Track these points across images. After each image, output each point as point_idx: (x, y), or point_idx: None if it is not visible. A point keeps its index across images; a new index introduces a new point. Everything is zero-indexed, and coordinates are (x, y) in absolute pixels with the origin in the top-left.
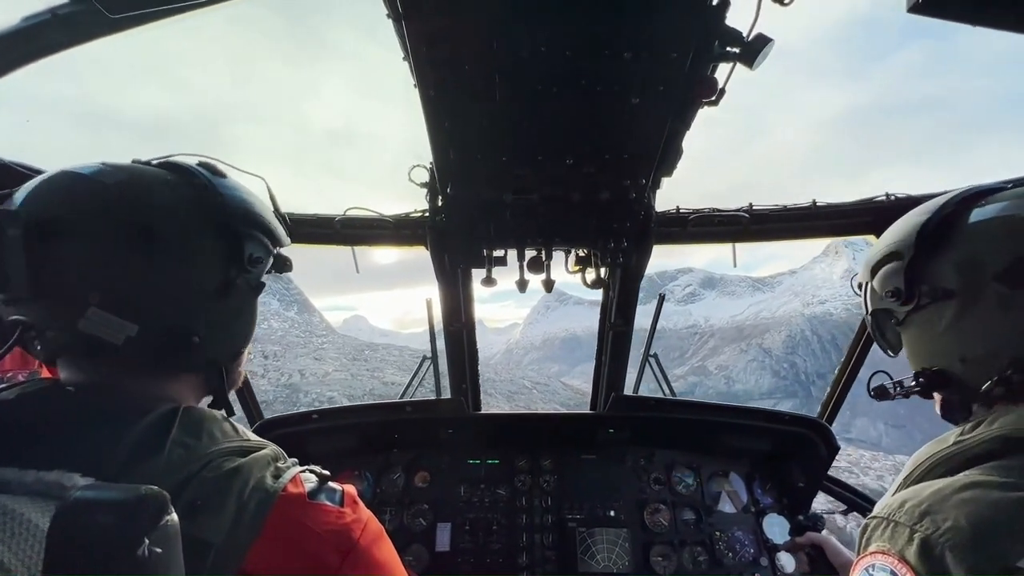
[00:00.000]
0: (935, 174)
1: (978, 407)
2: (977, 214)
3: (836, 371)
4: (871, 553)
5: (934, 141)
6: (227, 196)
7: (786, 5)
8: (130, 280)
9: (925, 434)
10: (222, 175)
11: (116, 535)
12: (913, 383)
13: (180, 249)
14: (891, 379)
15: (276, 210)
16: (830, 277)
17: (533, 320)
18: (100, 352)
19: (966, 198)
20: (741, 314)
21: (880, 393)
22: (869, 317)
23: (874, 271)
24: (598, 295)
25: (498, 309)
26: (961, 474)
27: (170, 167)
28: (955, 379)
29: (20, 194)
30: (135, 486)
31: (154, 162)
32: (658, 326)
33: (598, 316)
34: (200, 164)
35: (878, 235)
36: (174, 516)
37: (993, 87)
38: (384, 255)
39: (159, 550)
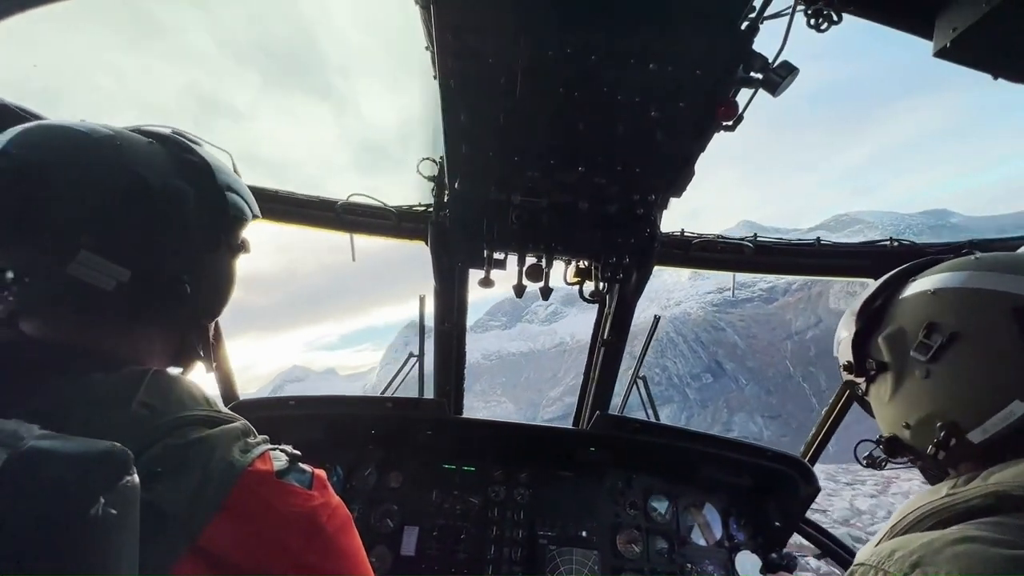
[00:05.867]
0: None
1: (962, 464)
2: (906, 289)
3: (823, 412)
4: None
5: None
6: (210, 160)
7: (823, 31)
8: (124, 225)
9: (799, 421)
10: (197, 143)
11: (69, 491)
12: (880, 450)
13: (171, 202)
14: (875, 443)
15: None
16: (679, 280)
17: (390, 360)
18: (84, 302)
19: (906, 273)
20: None
21: (871, 463)
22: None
23: (837, 346)
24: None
25: (352, 355)
26: (954, 527)
27: (146, 134)
28: (905, 444)
29: (4, 137)
30: (96, 440)
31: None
32: (526, 349)
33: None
34: (175, 133)
35: (876, 278)
36: (135, 478)
37: None
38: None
39: (114, 512)
